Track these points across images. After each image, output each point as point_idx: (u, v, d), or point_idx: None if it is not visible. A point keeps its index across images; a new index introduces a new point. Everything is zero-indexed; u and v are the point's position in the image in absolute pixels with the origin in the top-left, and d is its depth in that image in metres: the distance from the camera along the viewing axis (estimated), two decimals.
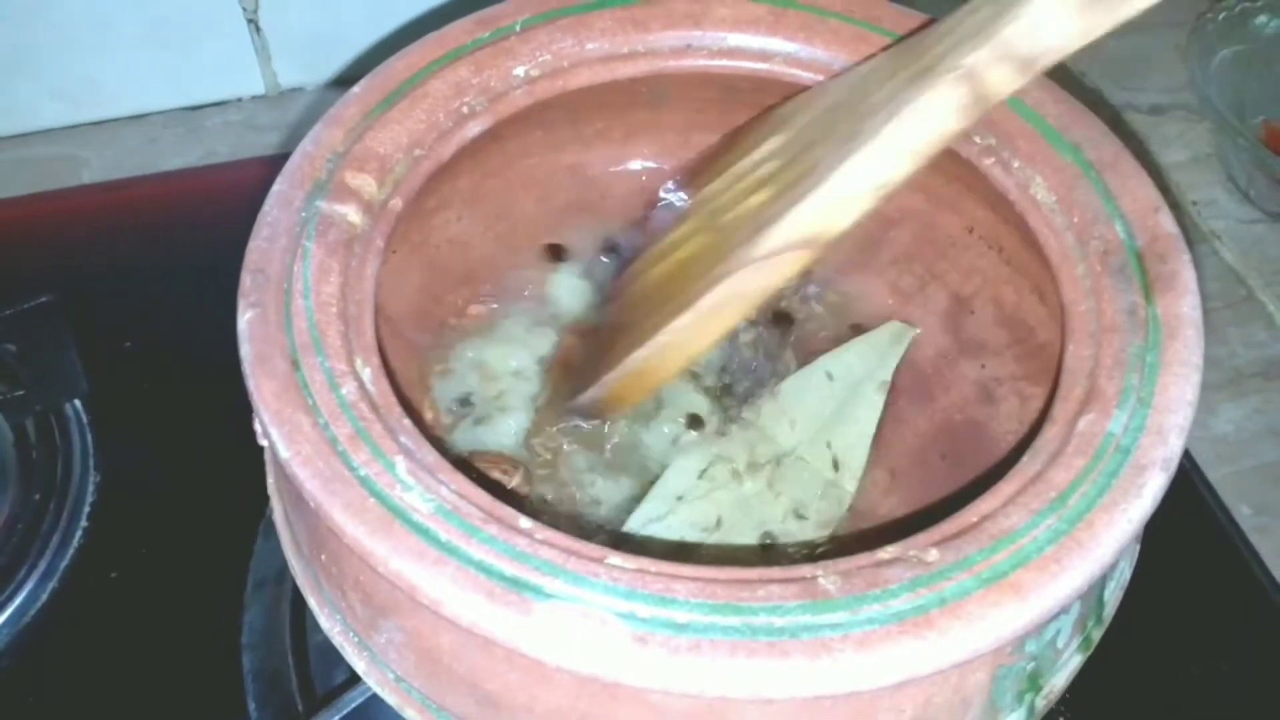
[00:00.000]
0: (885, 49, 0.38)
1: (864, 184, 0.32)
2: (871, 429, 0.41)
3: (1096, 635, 0.32)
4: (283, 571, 0.44)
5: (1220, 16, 0.63)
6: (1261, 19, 0.63)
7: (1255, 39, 0.63)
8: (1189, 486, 0.50)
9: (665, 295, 0.37)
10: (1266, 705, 0.44)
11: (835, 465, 0.40)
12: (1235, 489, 0.51)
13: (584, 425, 0.41)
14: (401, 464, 0.28)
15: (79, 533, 0.46)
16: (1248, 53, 0.63)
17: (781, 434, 0.41)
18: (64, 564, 0.45)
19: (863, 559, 0.27)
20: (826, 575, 0.26)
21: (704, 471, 0.40)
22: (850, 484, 0.40)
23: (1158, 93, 0.67)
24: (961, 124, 0.31)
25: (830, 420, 0.41)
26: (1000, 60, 0.30)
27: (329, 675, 0.42)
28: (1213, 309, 0.58)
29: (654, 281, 0.39)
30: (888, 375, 0.42)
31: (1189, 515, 0.49)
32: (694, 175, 0.43)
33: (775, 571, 0.27)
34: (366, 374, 0.30)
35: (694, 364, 0.42)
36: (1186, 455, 0.51)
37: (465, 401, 0.42)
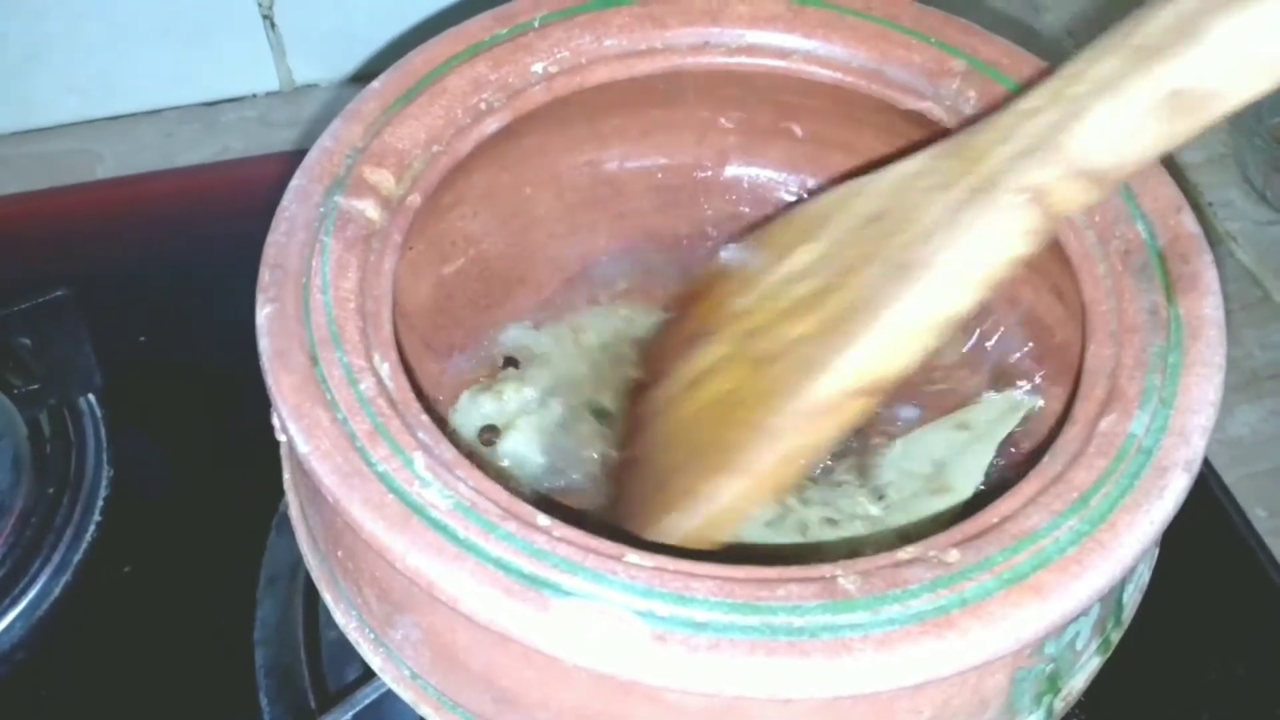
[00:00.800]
0: (930, 147, 0.34)
1: (926, 320, 0.29)
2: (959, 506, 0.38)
3: (1115, 637, 0.32)
4: (296, 567, 0.44)
5: None
6: None
7: None
8: (1204, 489, 0.50)
9: (703, 440, 0.33)
10: None
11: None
12: (1251, 491, 0.51)
13: None
14: (420, 460, 0.28)
15: (92, 527, 0.46)
16: None
17: (865, 504, 0.39)
18: (77, 558, 0.45)
19: (883, 559, 0.27)
20: (846, 575, 0.26)
21: (770, 521, 0.37)
22: None
23: None
24: (1031, 248, 0.28)
25: (917, 495, 0.39)
26: (1072, 177, 0.27)
27: (341, 672, 0.42)
28: (1229, 310, 0.57)
29: (687, 419, 0.35)
30: (990, 453, 0.39)
31: (1205, 518, 0.49)
32: (717, 280, 0.38)
33: (795, 571, 0.27)
34: (384, 369, 0.30)
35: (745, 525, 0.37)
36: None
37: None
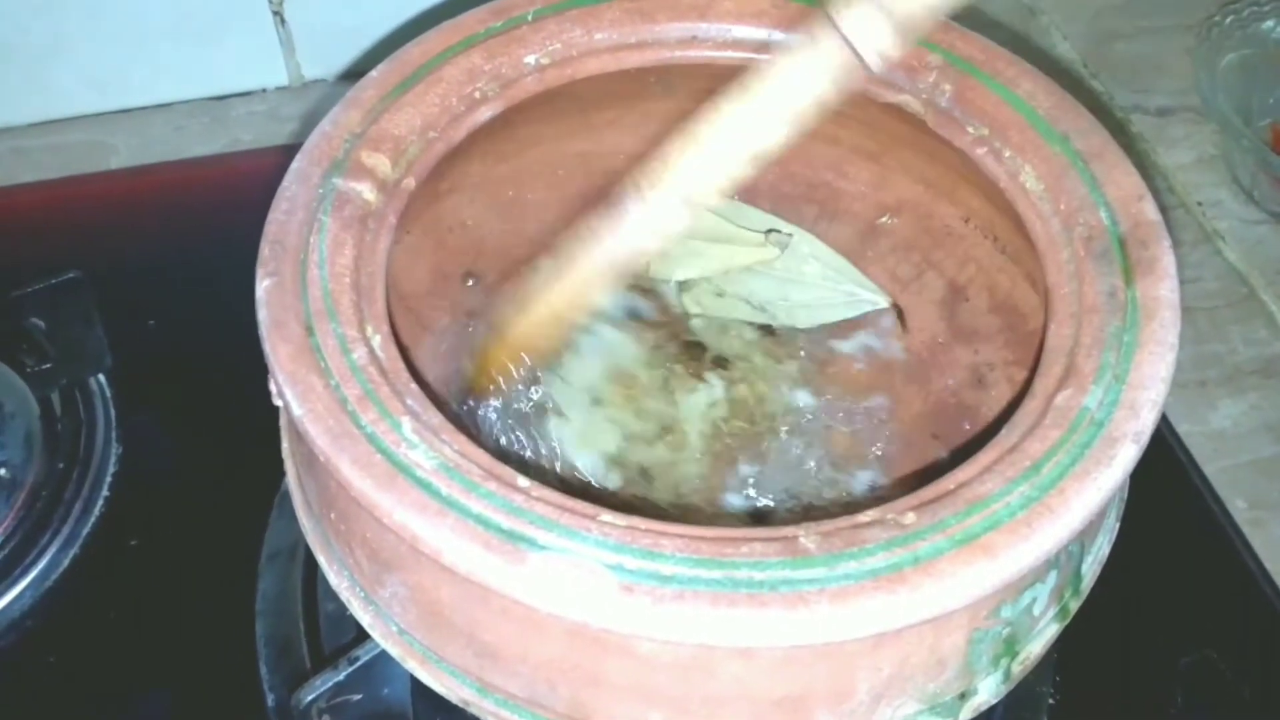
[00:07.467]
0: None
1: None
2: None
3: (1074, 606, 0.33)
4: (296, 544, 0.46)
5: (1229, 21, 0.63)
6: (1270, 24, 0.64)
7: (1263, 43, 0.64)
8: (1185, 480, 0.51)
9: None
10: (1256, 696, 0.45)
11: None
12: (1231, 483, 0.52)
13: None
14: (407, 423, 0.29)
15: (100, 501, 0.48)
16: (1255, 57, 0.63)
17: None
18: (85, 531, 0.47)
19: (843, 521, 0.28)
20: (807, 535, 0.28)
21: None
22: None
23: (1165, 95, 0.68)
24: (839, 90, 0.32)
25: None
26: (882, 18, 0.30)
27: (338, 642, 0.43)
28: (1215, 307, 0.59)
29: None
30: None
31: (1185, 508, 0.50)
32: None
33: (759, 531, 0.28)
34: (376, 341, 0.32)
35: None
36: (1183, 449, 0.52)
37: None
